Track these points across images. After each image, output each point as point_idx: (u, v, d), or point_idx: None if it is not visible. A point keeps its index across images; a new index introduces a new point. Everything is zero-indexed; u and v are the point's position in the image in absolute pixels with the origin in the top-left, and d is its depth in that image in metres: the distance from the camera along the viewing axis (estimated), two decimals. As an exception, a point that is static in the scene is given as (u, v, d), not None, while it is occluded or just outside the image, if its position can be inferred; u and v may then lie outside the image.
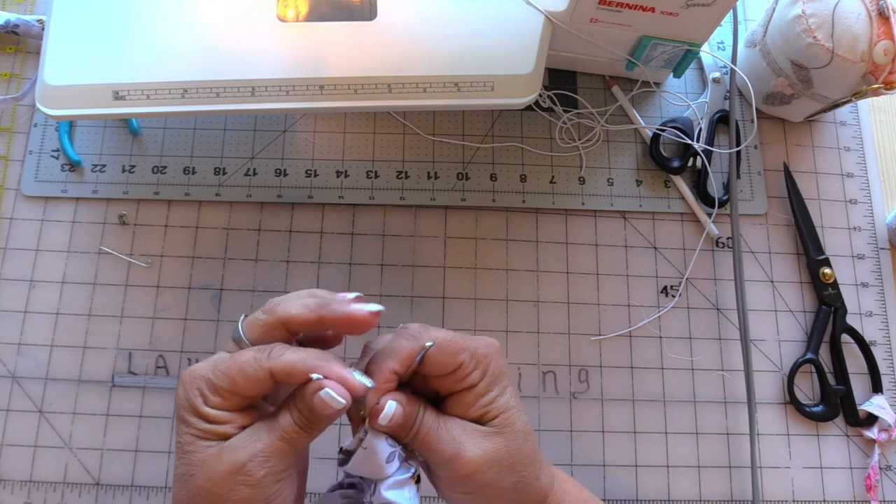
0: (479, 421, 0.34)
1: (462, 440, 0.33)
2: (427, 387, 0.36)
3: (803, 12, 0.50)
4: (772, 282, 0.55)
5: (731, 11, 0.57)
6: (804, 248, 0.55)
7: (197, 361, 0.49)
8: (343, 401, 0.32)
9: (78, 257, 0.52)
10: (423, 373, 0.35)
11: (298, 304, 0.33)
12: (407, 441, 0.34)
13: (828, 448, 0.51)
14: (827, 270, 0.54)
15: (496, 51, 0.47)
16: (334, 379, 0.32)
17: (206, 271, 0.52)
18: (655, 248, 0.55)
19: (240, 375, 0.32)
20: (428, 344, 0.33)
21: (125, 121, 0.54)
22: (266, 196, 0.54)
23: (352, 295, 0.34)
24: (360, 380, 0.33)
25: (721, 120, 0.57)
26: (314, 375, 0.32)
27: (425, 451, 0.34)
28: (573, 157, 0.56)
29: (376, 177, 0.55)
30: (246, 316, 0.35)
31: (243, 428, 0.33)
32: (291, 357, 0.32)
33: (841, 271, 0.55)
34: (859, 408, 0.52)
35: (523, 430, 0.35)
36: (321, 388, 0.32)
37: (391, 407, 0.33)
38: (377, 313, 0.34)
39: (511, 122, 0.56)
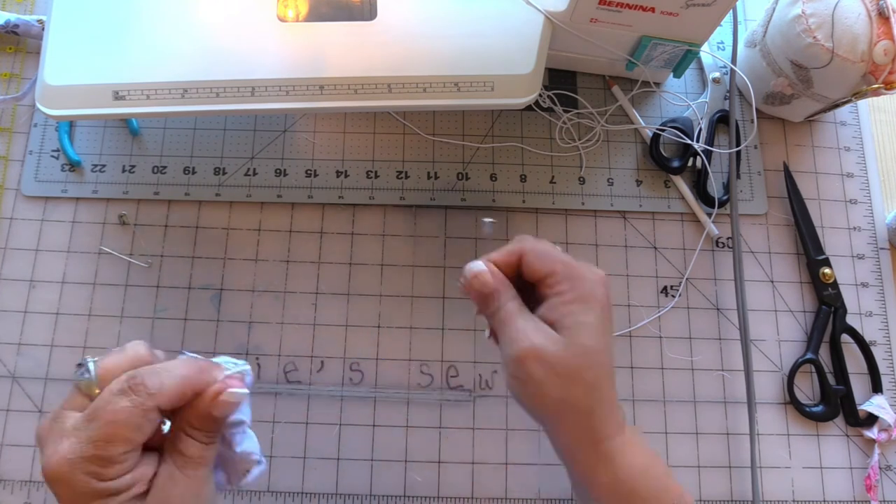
0: (553, 325, 0.36)
1: (527, 330, 0.36)
2: (536, 294, 0.38)
3: (803, 12, 0.50)
4: (772, 282, 0.55)
5: (731, 11, 0.57)
6: (804, 248, 0.55)
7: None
8: (246, 389, 0.33)
9: (78, 257, 0.52)
10: (524, 277, 0.38)
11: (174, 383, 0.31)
12: (489, 316, 0.38)
13: (828, 448, 0.51)
14: (827, 270, 0.54)
15: (496, 51, 0.47)
16: (221, 382, 0.32)
17: (206, 271, 0.52)
18: (655, 248, 0.55)
19: (129, 431, 0.30)
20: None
21: (125, 121, 0.54)
22: (266, 196, 0.54)
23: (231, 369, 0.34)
24: (239, 367, 0.34)
25: (721, 120, 0.57)
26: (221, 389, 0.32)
27: (500, 332, 0.37)
28: (573, 157, 0.56)
29: (376, 177, 0.55)
30: (88, 362, 0.32)
31: (151, 479, 0.31)
32: (173, 383, 0.31)
33: (841, 271, 0.55)
34: (859, 408, 0.52)
35: (588, 352, 0.36)
36: (219, 392, 0.32)
37: (477, 265, 0.38)
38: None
39: (511, 122, 0.56)
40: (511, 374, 0.36)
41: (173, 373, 0.31)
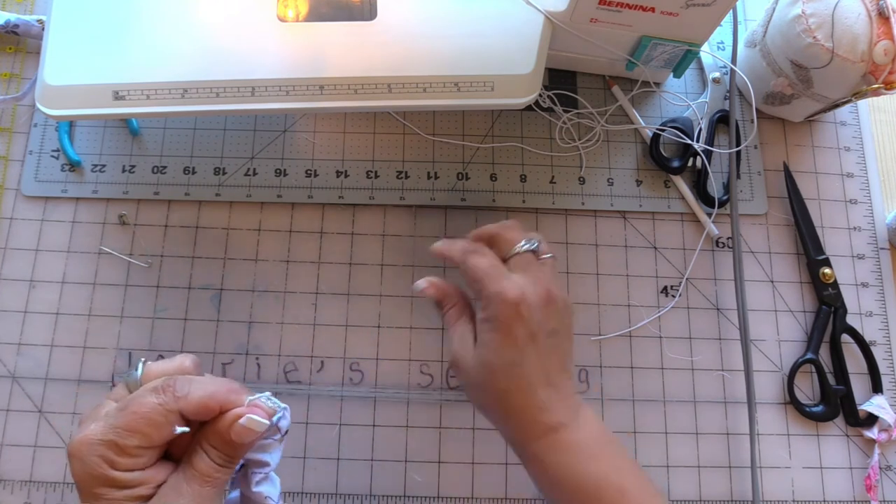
0: (475, 338, 0.41)
1: (456, 340, 0.41)
2: None
3: (803, 12, 0.50)
4: (772, 282, 0.55)
5: (731, 11, 0.57)
6: (804, 248, 0.55)
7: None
8: (267, 422, 0.32)
9: (78, 257, 0.52)
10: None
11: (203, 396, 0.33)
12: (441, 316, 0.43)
13: (828, 448, 0.51)
14: (827, 270, 0.54)
15: (496, 51, 0.47)
16: (245, 408, 0.32)
17: (206, 271, 0.52)
18: (655, 248, 0.55)
19: (149, 426, 0.31)
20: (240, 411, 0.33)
21: (125, 121, 0.54)
22: (266, 196, 0.54)
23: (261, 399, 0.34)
24: (273, 403, 0.33)
25: (721, 120, 0.57)
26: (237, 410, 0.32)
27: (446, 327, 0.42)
28: (573, 157, 0.56)
29: (376, 177, 0.55)
30: (139, 362, 0.34)
31: (159, 485, 0.32)
32: (200, 394, 0.32)
33: (841, 271, 0.55)
34: (859, 408, 0.52)
35: (490, 368, 0.39)
36: (239, 416, 0.32)
37: (419, 284, 0.43)
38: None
39: (511, 122, 0.56)
40: (453, 375, 0.45)
41: (203, 385, 0.32)
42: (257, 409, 0.33)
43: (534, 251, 0.42)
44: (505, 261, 0.42)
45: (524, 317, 0.39)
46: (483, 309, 0.40)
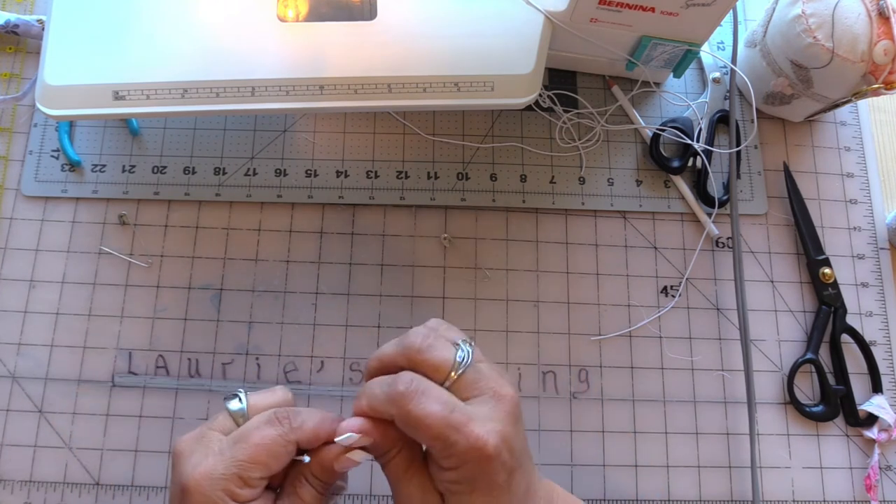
0: (442, 493, 0.33)
1: (412, 498, 0.33)
2: None
3: (803, 12, 0.50)
4: (772, 282, 0.55)
5: (731, 11, 0.57)
6: (804, 248, 0.55)
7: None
8: (369, 455, 0.34)
9: (78, 257, 0.52)
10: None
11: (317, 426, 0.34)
12: (381, 463, 0.35)
13: (828, 448, 0.51)
14: (827, 270, 0.54)
15: (496, 51, 0.47)
16: (349, 439, 0.33)
17: (206, 271, 0.52)
18: (655, 248, 0.55)
19: (270, 457, 0.32)
20: (345, 436, 0.33)
21: (125, 121, 0.54)
22: (266, 196, 0.54)
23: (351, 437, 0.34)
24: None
25: (721, 120, 0.57)
26: (339, 438, 0.33)
27: (389, 483, 0.35)
28: (573, 157, 0.56)
29: (376, 177, 0.55)
30: (241, 394, 0.35)
31: None
32: (311, 424, 0.34)
33: (841, 271, 0.55)
34: (859, 408, 0.52)
35: None
36: (341, 450, 0.33)
37: (350, 437, 0.33)
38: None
39: (511, 122, 0.56)
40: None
41: (312, 416, 0.34)
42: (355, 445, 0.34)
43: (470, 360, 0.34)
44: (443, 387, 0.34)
45: (506, 462, 0.32)
46: (450, 467, 0.32)
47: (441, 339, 0.34)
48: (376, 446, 0.34)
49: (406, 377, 0.32)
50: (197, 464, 0.32)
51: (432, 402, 0.32)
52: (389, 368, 0.34)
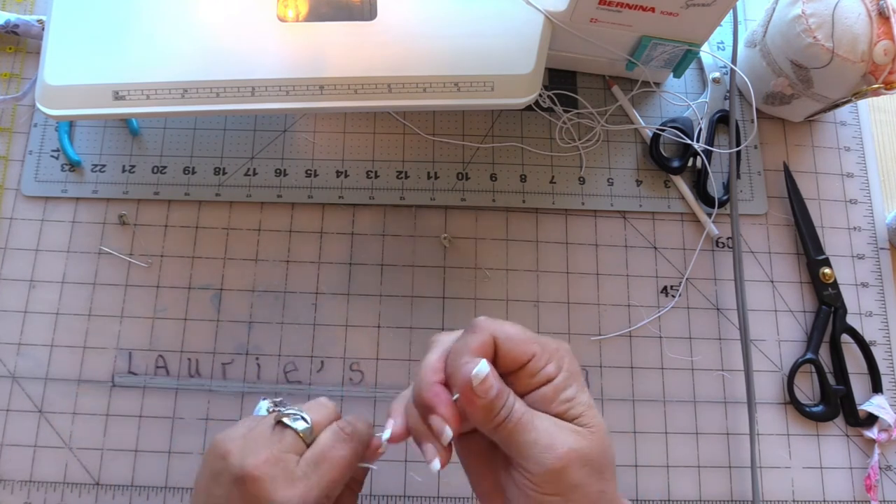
0: (563, 417, 0.32)
1: (554, 431, 0.31)
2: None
3: (803, 12, 0.50)
4: (772, 282, 0.55)
5: (731, 11, 0.57)
6: (804, 248, 0.55)
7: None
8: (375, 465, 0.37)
9: (78, 257, 0.52)
10: (499, 371, 0.32)
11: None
12: (496, 427, 0.32)
13: (828, 448, 0.51)
14: (827, 270, 0.54)
15: (496, 51, 0.47)
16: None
17: (206, 271, 0.52)
18: (655, 248, 0.55)
19: (348, 473, 0.35)
20: (475, 370, 0.31)
21: (125, 121, 0.54)
22: (266, 196, 0.54)
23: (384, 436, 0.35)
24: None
25: (721, 120, 0.57)
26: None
27: (515, 440, 0.31)
28: (573, 157, 0.56)
29: (376, 177, 0.55)
30: (303, 413, 0.36)
31: None
32: (367, 435, 0.37)
33: (841, 271, 0.55)
34: (859, 408, 0.52)
35: (607, 434, 0.33)
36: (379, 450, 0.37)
37: (483, 368, 0.31)
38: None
39: (511, 122, 0.56)
40: (549, 491, 0.31)
41: (364, 425, 0.37)
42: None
43: None
44: (524, 395, 0.33)
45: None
46: (555, 374, 0.32)
47: (522, 336, 0.34)
48: (496, 397, 0.31)
49: (480, 319, 0.34)
50: (286, 490, 0.33)
51: (509, 325, 0.33)
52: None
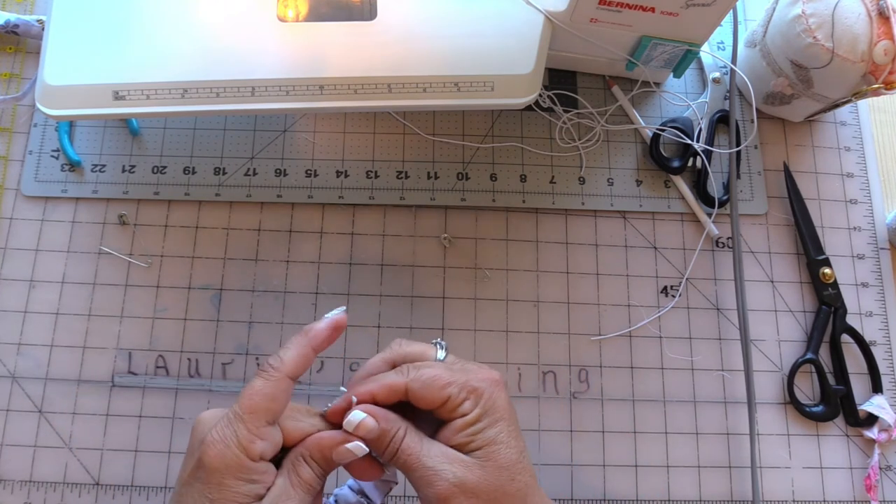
0: (462, 449, 0.35)
1: (441, 464, 0.34)
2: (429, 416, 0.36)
3: (803, 12, 0.50)
4: (772, 282, 0.55)
5: (731, 11, 0.57)
6: (804, 248, 0.55)
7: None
8: (367, 449, 0.35)
9: (78, 257, 0.52)
10: (419, 405, 0.35)
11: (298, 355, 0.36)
12: (389, 460, 0.35)
13: (828, 448, 0.51)
14: (827, 270, 0.54)
15: (496, 51, 0.47)
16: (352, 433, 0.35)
17: (206, 271, 0.52)
18: (655, 248, 0.55)
19: (269, 401, 0.34)
20: (354, 414, 0.34)
21: (125, 121, 0.54)
22: (266, 196, 0.54)
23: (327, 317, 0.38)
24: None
25: (721, 120, 0.57)
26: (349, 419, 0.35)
27: (406, 471, 0.35)
28: (573, 157, 0.56)
29: (376, 177, 0.55)
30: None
31: (267, 488, 0.34)
32: (293, 354, 0.36)
33: (841, 271, 0.55)
34: (859, 408, 0.52)
35: (509, 468, 0.34)
36: (339, 441, 0.35)
37: (356, 415, 0.34)
38: (341, 317, 0.38)
39: (511, 122, 0.56)
40: None
41: (292, 348, 0.36)
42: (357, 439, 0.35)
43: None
44: None
45: (508, 396, 0.36)
46: (468, 411, 0.35)
47: (415, 344, 0.38)
48: (381, 436, 0.34)
49: (404, 366, 0.36)
50: (214, 425, 0.33)
51: (428, 367, 0.36)
52: (376, 374, 0.37)
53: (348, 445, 0.34)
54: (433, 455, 0.34)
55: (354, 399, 0.35)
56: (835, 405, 0.52)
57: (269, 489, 0.34)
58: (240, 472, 0.32)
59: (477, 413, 0.35)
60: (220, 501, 0.32)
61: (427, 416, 0.36)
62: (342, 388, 0.38)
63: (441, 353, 0.38)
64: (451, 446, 0.35)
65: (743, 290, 0.53)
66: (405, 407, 0.36)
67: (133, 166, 0.54)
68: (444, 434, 0.35)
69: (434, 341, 0.39)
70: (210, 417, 0.35)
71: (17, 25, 0.55)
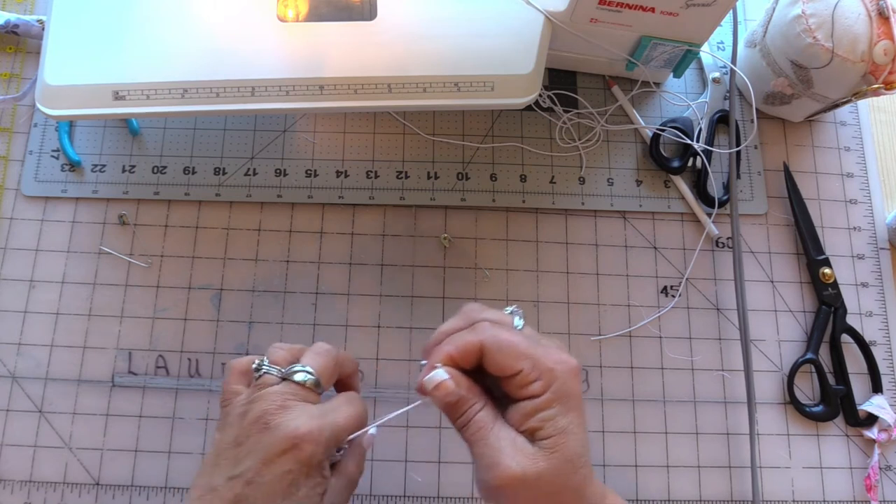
0: (531, 435, 0.33)
1: (505, 450, 0.33)
2: (500, 389, 0.35)
3: (803, 12, 0.50)
4: (772, 282, 0.55)
5: (731, 11, 0.57)
6: (804, 248, 0.55)
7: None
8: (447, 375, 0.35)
9: (78, 257, 0.52)
10: (487, 371, 0.34)
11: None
12: (460, 428, 0.34)
13: (828, 448, 0.51)
14: (827, 270, 0.54)
15: (496, 51, 0.47)
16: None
17: (206, 271, 0.52)
18: (655, 248, 0.55)
19: (357, 427, 0.37)
20: (434, 373, 0.34)
21: (125, 121, 0.54)
22: (266, 196, 0.54)
23: None
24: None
25: (721, 120, 0.57)
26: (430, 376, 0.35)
27: (472, 446, 0.34)
28: (573, 157, 0.56)
29: (376, 177, 0.55)
30: (304, 367, 0.37)
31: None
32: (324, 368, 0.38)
33: (841, 271, 0.55)
34: (859, 408, 0.52)
35: (574, 461, 0.33)
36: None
37: (439, 374, 0.34)
38: None
39: (511, 122, 0.56)
40: (491, 499, 0.34)
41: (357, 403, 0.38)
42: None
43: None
44: None
45: (580, 387, 0.34)
46: (539, 392, 0.33)
47: (489, 309, 0.37)
48: (458, 403, 0.34)
49: (483, 322, 0.35)
50: (300, 423, 0.34)
51: (507, 331, 0.34)
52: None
53: (373, 431, 0.37)
54: (502, 437, 0.33)
55: (439, 366, 0.34)
56: (835, 405, 0.52)
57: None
58: (325, 468, 0.35)
59: (548, 398, 0.33)
60: (312, 487, 0.34)
61: (496, 388, 0.36)
62: (422, 363, 0.36)
63: (519, 322, 0.36)
64: (521, 431, 0.33)
65: (743, 290, 0.53)
66: (479, 378, 0.35)
67: (133, 166, 0.54)
68: (514, 415, 0.34)
69: (510, 309, 0.37)
70: (280, 408, 0.35)
71: (17, 25, 0.55)
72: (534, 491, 0.32)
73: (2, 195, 0.53)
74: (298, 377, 0.36)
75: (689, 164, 0.55)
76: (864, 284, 0.55)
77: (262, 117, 0.56)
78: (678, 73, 0.54)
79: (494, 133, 0.56)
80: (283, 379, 0.37)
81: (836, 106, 0.54)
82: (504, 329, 0.35)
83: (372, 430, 0.38)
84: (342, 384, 0.41)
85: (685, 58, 0.52)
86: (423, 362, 0.36)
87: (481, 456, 0.33)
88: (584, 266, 0.54)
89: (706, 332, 0.53)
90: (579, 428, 0.34)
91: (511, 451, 0.33)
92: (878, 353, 0.53)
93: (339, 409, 0.37)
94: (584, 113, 0.57)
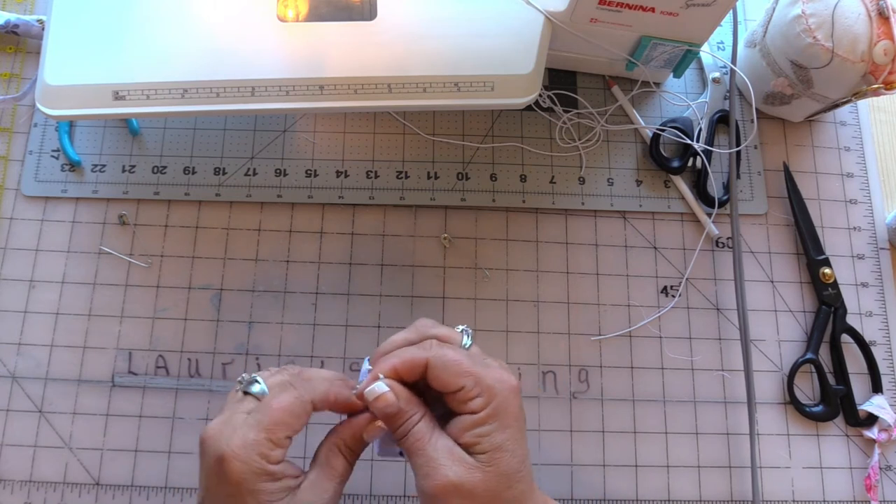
0: (468, 449, 0.35)
1: (442, 460, 0.34)
2: (443, 403, 0.37)
3: (803, 12, 0.50)
4: (772, 282, 0.55)
5: (731, 11, 0.57)
6: (804, 248, 0.55)
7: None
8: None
9: (78, 257, 0.52)
10: (430, 386, 0.36)
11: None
12: (399, 439, 0.36)
13: (828, 448, 0.51)
14: (827, 270, 0.54)
15: (496, 51, 0.47)
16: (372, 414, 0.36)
17: (206, 271, 0.52)
18: (655, 248, 0.55)
19: (292, 418, 0.35)
20: (376, 385, 0.35)
21: (125, 121, 0.54)
22: (266, 196, 0.54)
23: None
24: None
25: (721, 120, 0.57)
26: (369, 389, 0.36)
27: (411, 456, 0.35)
28: (573, 157, 0.56)
29: (376, 177, 0.55)
30: (259, 379, 0.37)
31: (296, 478, 0.35)
32: (322, 386, 0.37)
33: (841, 271, 0.55)
34: (859, 408, 0.52)
35: (509, 476, 0.34)
36: (369, 419, 0.36)
37: (380, 386, 0.35)
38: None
39: (511, 122, 0.56)
40: None
41: (321, 378, 0.37)
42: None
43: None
44: None
45: (521, 406, 0.36)
46: (478, 409, 0.35)
47: (442, 327, 0.39)
48: (397, 415, 0.35)
49: (432, 339, 0.37)
50: (229, 437, 0.34)
51: (457, 351, 0.36)
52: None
53: (377, 423, 0.36)
54: (439, 448, 0.34)
55: (381, 377, 0.36)
56: (835, 405, 0.52)
57: (298, 479, 0.35)
58: (266, 478, 0.34)
59: (486, 414, 0.35)
60: (269, 494, 0.34)
61: (440, 401, 0.37)
62: (366, 360, 0.38)
63: (467, 341, 0.38)
64: (459, 443, 0.35)
65: (743, 290, 0.53)
66: (421, 389, 0.37)
67: (133, 166, 0.54)
68: (453, 428, 0.35)
69: (461, 328, 0.39)
70: (217, 432, 0.35)
71: (17, 25, 0.55)
72: (469, 500, 0.34)
73: (2, 195, 0.53)
74: (254, 388, 0.37)
75: (689, 164, 0.55)
76: (864, 284, 0.55)
77: (262, 117, 0.56)
78: (678, 73, 0.54)
79: (494, 133, 0.56)
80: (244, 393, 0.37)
81: (836, 106, 0.54)
82: (450, 348, 0.36)
83: (381, 384, 0.36)
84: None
85: (685, 58, 0.52)
86: (368, 368, 0.37)
87: (419, 465, 0.34)
88: (584, 266, 0.54)
89: (706, 332, 0.53)
90: (516, 444, 0.35)
91: (448, 461, 0.34)
92: (878, 353, 0.53)
93: (269, 403, 0.35)
94: (584, 113, 0.57)
